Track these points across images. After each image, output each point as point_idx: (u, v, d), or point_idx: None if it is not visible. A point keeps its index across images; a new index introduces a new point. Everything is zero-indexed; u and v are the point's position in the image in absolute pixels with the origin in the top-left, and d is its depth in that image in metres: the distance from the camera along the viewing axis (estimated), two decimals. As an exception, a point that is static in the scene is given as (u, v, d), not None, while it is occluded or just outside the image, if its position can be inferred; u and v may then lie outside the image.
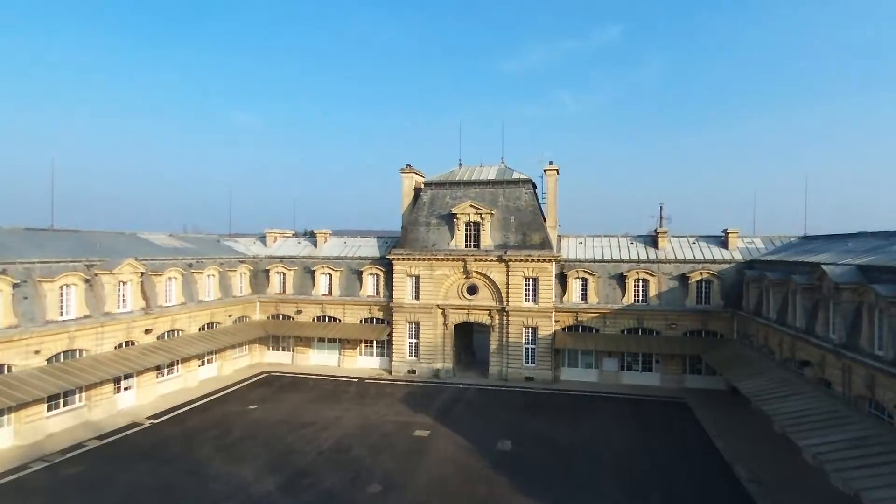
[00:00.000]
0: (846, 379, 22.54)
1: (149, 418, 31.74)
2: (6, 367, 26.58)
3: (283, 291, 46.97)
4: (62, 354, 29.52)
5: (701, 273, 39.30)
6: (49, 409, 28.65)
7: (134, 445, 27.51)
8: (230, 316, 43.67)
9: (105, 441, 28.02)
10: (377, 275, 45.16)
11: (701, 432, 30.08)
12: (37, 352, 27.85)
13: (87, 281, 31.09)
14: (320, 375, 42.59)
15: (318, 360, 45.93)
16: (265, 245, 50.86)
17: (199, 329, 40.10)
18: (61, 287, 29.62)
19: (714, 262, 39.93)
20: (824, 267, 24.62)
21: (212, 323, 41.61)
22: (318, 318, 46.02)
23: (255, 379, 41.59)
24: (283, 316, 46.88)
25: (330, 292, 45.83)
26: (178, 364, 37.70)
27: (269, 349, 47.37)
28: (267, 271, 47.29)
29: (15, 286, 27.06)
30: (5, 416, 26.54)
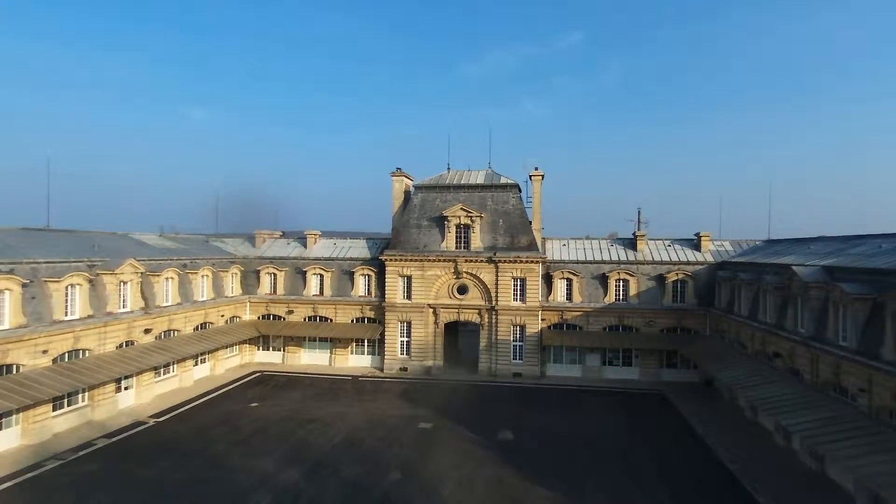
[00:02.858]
0: (814, 367, 25.39)
1: (152, 417, 32.05)
2: (16, 366, 26.63)
3: (274, 292, 47.50)
4: (67, 354, 29.61)
5: (677, 274, 42.27)
6: (54, 408, 28.72)
7: (145, 443, 27.95)
8: (222, 316, 43.98)
9: (114, 439, 28.33)
10: (369, 275, 46.31)
11: (683, 421, 32.66)
12: (45, 351, 27.94)
13: (90, 281, 31.19)
14: (313, 374, 43.40)
15: (310, 360, 46.68)
16: (254, 246, 51.19)
17: (194, 329, 40.35)
18: (66, 287, 29.70)
19: (688, 263, 42.99)
20: (794, 268, 27.53)
21: (205, 323, 41.87)
22: (310, 318, 46.78)
23: (249, 378, 42.08)
24: (274, 316, 47.41)
25: (321, 292, 46.68)
26: (174, 364, 37.89)
27: (259, 349, 47.77)
28: (257, 272, 47.71)
29: (24, 286, 27.10)
30: (14, 416, 26.56)
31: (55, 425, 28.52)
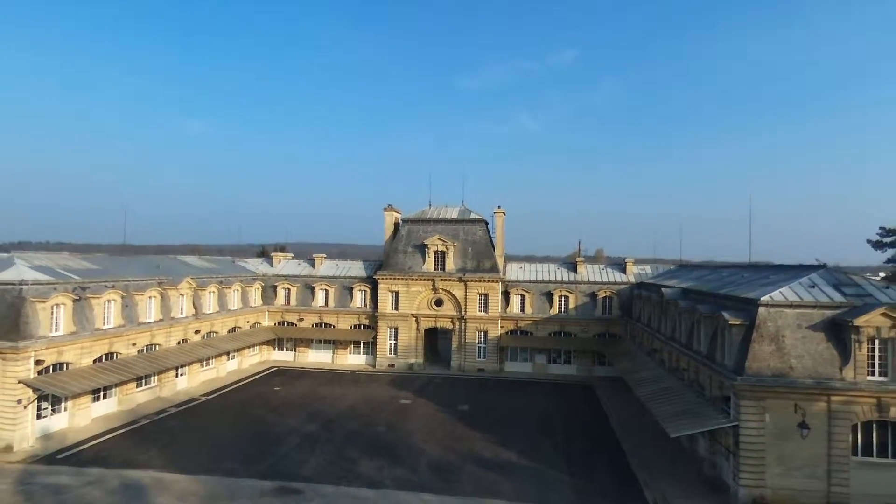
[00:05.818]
0: (670, 357, 37.12)
1: (203, 395, 43.21)
2: (116, 354, 37.89)
3: (288, 303, 58.85)
4: (146, 347, 40.89)
5: (605, 291, 54.09)
6: (137, 385, 39.86)
7: (204, 410, 39.18)
8: (248, 322, 55.28)
9: (181, 408, 39.51)
10: (364, 290, 57.81)
11: (596, 401, 44.17)
12: (133, 344, 39.24)
13: (161, 294, 42.56)
14: (319, 369, 54.67)
15: (316, 358, 57.91)
16: (271, 265, 62.65)
17: (228, 332, 51.63)
18: (147, 298, 41.05)
19: (615, 283, 54.85)
20: (663, 289, 39.39)
21: (235, 327, 53.15)
22: (317, 325, 58.11)
23: (269, 371, 53.28)
24: (288, 322, 58.72)
25: (326, 304, 58.08)
26: (213, 358, 49.07)
27: (274, 349, 58.97)
28: (275, 287, 59.13)
29: (122, 297, 38.47)
30: (114, 389, 37.75)
31: (138, 398, 39.69)
